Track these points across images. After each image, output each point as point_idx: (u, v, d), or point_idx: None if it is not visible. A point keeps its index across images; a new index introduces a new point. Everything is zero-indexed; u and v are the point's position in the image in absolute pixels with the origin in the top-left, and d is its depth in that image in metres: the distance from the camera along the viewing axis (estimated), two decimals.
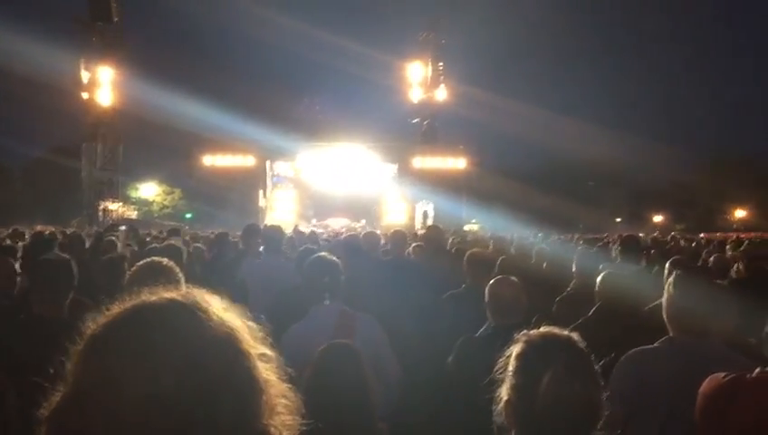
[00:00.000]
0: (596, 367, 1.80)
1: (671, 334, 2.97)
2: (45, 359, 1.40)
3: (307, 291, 4.01)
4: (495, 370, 1.84)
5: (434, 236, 6.77)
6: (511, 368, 1.79)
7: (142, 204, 52.39)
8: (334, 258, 4.04)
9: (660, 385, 2.76)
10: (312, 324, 3.74)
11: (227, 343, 0.93)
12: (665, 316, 3.02)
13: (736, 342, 3.10)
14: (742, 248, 9.17)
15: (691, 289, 3.01)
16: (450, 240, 10.26)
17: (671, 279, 3.08)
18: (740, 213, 55.78)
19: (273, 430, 0.94)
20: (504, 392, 1.79)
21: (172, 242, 4.93)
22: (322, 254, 4.22)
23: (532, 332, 1.83)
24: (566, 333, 1.82)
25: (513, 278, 3.94)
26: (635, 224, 50.27)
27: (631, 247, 6.28)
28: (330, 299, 3.86)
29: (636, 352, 2.92)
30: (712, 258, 8.82)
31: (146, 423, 0.84)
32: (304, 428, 1.03)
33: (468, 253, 5.53)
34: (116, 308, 0.96)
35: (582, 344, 1.80)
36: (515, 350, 1.81)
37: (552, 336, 1.81)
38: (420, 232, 16.59)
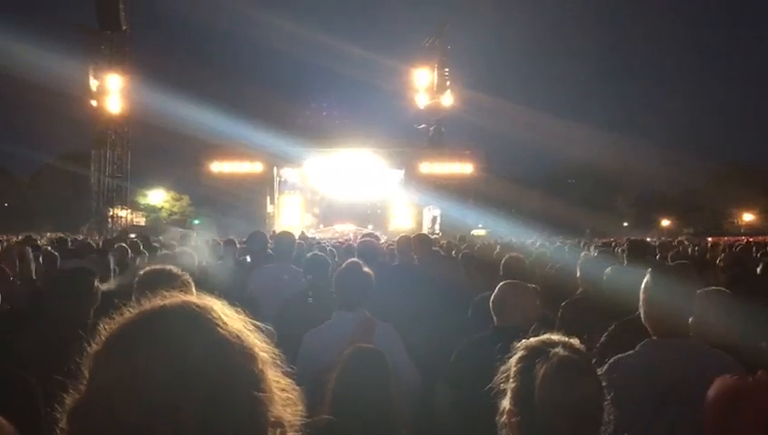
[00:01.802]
0: (598, 369, 1.78)
1: (652, 337, 2.91)
2: (61, 360, 1.45)
3: (336, 296, 4.07)
4: (496, 380, 1.82)
5: (423, 243, 6.86)
6: (511, 372, 1.78)
7: (150, 210, 52.60)
8: (368, 269, 4.08)
9: (645, 390, 2.70)
10: (332, 329, 3.84)
11: (240, 340, 0.99)
12: (643, 318, 2.96)
13: (745, 346, 3.07)
14: (724, 253, 9.10)
15: (668, 288, 2.94)
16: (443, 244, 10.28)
17: (646, 279, 3.02)
18: (747, 217, 55.49)
19: (283, 421, 1.00)
20: (505, 401, 1.78)
21: (186, 249, 4.98)
22: (357, 263, 4.18)
23: (531, 339, 1.81)
24: (566, 340, 1.79)
25: (521, 283, 3.98)
26: (642, 228, 50.12)
27: (639, 251, 6.30)
28: (356, 308, 3.94)
29: (617, 359, 2.82)
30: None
31: (167, 416, 0.88)
32: (306, 420, 1.09)
33: (506, 258, 5.70)
34: (133, 310, 1.01)
35: (582, 347, 1.78)
36: (515, 356, 1.79)
37: (549, 339, 1.79)
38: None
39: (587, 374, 1.73)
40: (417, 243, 6.80)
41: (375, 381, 2.82)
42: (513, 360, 1.79)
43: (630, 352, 2.87)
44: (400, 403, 2.94)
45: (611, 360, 2.76)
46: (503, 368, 1.82)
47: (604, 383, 1.78)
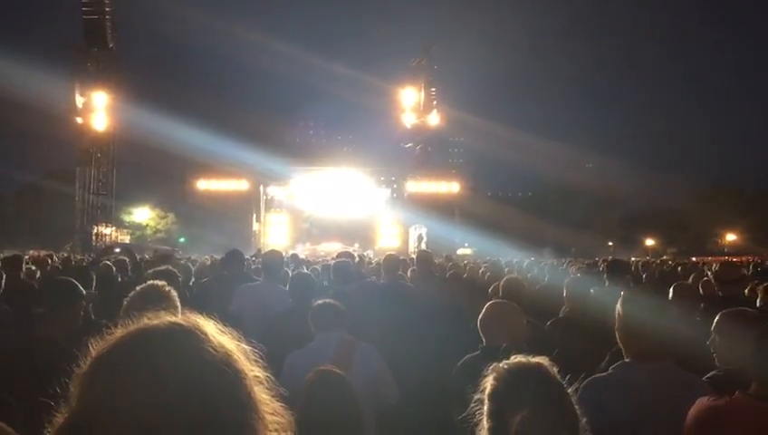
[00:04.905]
0: (571, 396, 1.78)
1: (626, 359, 2.89)
2: (48, 381, 1.45)
3: (312, 321, 4.14)
4: (470, 409, 1.80)
5: (426, 261, 6.88)
6: (484, 409, 1.76)
7: (135, 228, 52.28)
8: (339, 305, 4.15)
9: (620, 412, 2.67)
10: (313, 352, 3.88)
11: (227, 363, 0.98)
12: (618, 340, 2.94)
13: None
14: (713, 273, 9.16)
15: (643, 310, 2.91)
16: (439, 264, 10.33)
17: (620, 301, 2.99)
18: (730, 237, 56.03)
19: None
20: (482, 432, 1.76)
21: (170, 267, 4.95)
22: (327, 301, 4.25)
23: (501, 364, 1.80)
24: (536, 364, 1.78)
25: (507, 302, 4.01)
26: (627, 248, 50.49)
27: (618, 271, 6.32)
28: (335, 329, 4.02)
29: (593, 380, 2.79)
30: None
31: None
32: None
33: (504, 280, 5.83)
34: (119, 331, 1.00)
35: (553, 372, 1.78)
36: (487, 388, 1.78)
37: (520, 371, 1.77)
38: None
39: (556, 408, 1.72)
40: (419, 262, 6.88)
41: (340, 402, 2.82)
42: (486, 390, 1.78)
43: (604, 373, 2.86)
44: (370, 424, 2.94)
45: (586, 380, 2.72)
46: (476, 398, 1.80)
47: (576, 403, 1.77)
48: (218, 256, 12.99)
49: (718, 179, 63.30)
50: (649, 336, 2.83)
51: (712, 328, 3.30)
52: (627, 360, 2.89)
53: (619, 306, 2.98)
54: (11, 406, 2.43)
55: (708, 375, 3.12)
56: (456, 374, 3.55)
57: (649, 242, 57.73)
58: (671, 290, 5.38)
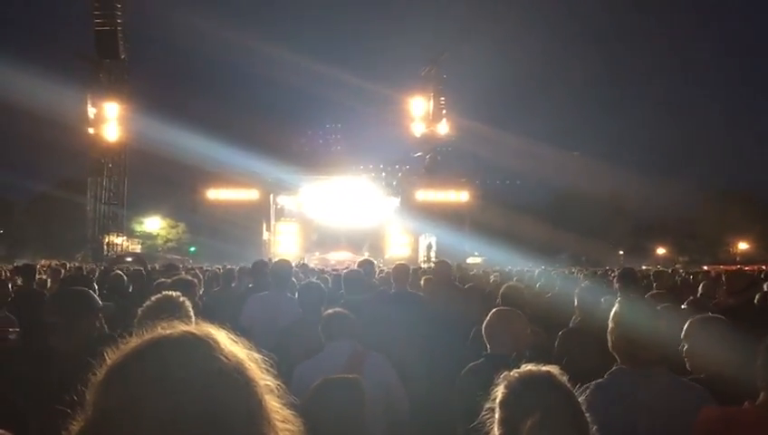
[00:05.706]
0: (581, 403, 1.78)
1: (621, 365, 2.88)
2: (60, 391, 1.47)
3: (322, 330, 4.14)
4: (482, 417, 1.81)
5: (443, 271, 6.89)
6: (495, 417, 1.76)
7: (146, 238, 52.45)
8: (349, 315, 4.15)
9: (626, 419, 2.66)
10: (323, 361, 3.87)
11: (238, 372, 1.00)
12: (611, 347, 2.93)
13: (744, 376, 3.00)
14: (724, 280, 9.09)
15: (637, 317, 2.92)
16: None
17: (614, 309, 3.00)
18: (742, 245, 55.61)
19: None
20: None
21: (186, 276, 4.99)
22: (337, 311, 4.26)
23: (512, 373, 1.80)
24: (546, 372, 1.79)
25: (511, 310, 4.01)
26: (637, 256, 50.20)
27: (630, 280, 6.30)
28: (345, 339, 4.02)
29: (595, 387, 2.74)
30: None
31: None
32: None
33: (504, 287, 5.80)
34: (133, 340, 1.02)
35: (563, 380, 1.78)
36: (498, 396, 1.78)
37: (530, 379, 1.77)
38: (426, 265, 16.60)
39: (566, 415, 1.73)
40: (438, 273, 6.88)
41: (341, 409, 2.81)
42: (497, 399, 1.78)
43: (602, 380, 2.84)
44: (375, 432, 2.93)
45: (588, 388, 2.69)
46: (487, 405, 1.81)
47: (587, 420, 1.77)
48: (230, 266, 13.04)
49: (730, 186, 62.86)
50: (642, 341, 2.82)
51: (682, 335, 3.31)
52: (622, 366, 2.88)
53: (612, 312, 3.00)
54: (26, 413, 2.45)
55: (692, 378, 3.11)
56: (462, 383, 3.55)
57: (660, 251, 57.39)
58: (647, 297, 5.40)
